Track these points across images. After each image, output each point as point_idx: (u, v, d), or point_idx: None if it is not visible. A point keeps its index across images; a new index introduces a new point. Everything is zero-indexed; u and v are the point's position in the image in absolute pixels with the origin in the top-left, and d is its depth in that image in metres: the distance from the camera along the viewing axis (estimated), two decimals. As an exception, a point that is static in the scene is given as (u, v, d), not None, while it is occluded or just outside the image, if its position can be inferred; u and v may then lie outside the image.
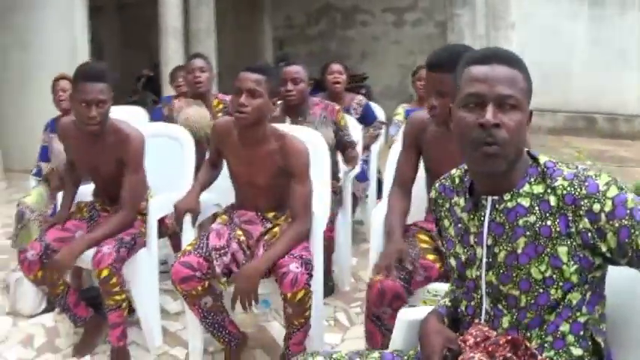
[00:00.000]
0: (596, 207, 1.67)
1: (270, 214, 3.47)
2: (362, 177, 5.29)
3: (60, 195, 4.05)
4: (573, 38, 11.76)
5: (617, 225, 1.66)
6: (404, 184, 3.22)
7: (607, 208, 1.66)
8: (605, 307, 1.85)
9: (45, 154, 4.87)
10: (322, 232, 3.54)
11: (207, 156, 3.88)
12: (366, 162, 5.53)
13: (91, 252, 3.42)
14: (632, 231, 1.65)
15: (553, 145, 10.03)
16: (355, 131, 5.07)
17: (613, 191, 1.68)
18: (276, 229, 3.41)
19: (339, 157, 4.83)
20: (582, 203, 1.69)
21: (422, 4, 13.39)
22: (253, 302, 3.08)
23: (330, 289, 4.50)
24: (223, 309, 3.34)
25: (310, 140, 3.67)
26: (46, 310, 4.20)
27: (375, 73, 12.29)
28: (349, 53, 13.84)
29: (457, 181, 1.99)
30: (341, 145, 4.68)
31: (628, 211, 1.65)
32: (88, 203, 3.88)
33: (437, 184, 2.09)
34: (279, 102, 4.32)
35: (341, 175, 4.78)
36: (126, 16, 14.83)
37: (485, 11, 7.58)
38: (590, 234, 1.69)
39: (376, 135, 5.71)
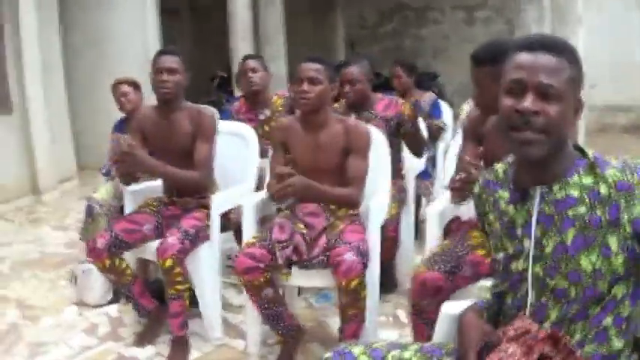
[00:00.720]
0: None
1: (333, 206, 3.54)
2: (426, 175, 5.29)
3: (127, 190, 4.17)
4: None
5: None
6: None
7: None
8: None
9: (120, 127, 5.05)
10: (379, 225, 3.58)
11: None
12: (432, 161, 5.53)
13: (155, 243, 3.56)
14: None
15: (624, 144, 9.83)
16: (421, 128, 5.08)
17: None
18: (338, 222, 3.47)
19: (404, 154, 4.84)
20: (636, 190, 1.68)
21: (491, 1, 13.29)
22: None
23: (393, 286, 4.52)
24: (283, 301, 3.42)
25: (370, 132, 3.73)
26: (111, 302, 4.33)
27: (447, 71, 12.18)
28: (421, 51, 13.82)
29: (501, 174, 1.98)
30: (405, 137, 4.70)
31: None
32: (155, 198, 4.00)
33: (481, 179, 2.08)
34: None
35: (404, 172, 4.78)
36: (199, 18, 15.04)
37: (552, 6, 7.45)
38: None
39: (438, 128, 5.73)
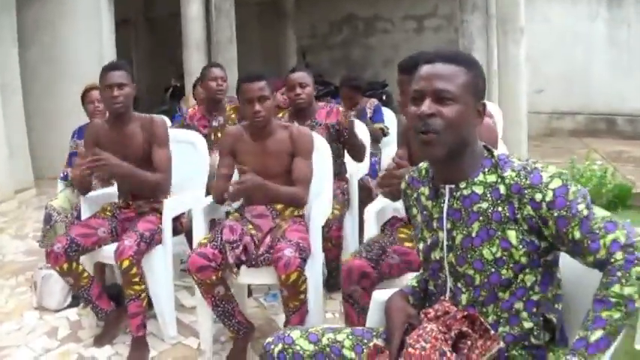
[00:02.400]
0: (538, 196, 1.87)
1: (279, 206, 3.80)
2: (374, 174, 5.50)
3: (83, 198, 4.32)
4: (592, 40, 11.79)
5: (555, 215, 1.85)
6: None
7: (548, 198, 1.86)
8: (559, 288, 2.05)
9: (72, 160, 5.16)
10: (320, 225, 3.79)
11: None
12: (378, 163, 5.76)
13: (112, 247, 3.74)
14: (569, 222, 1.84)
15: (570, 147, 10.11)
16: (363, 132, 5.31)
17: (556, 183, 1.87)
18: (283, 222, 3.71)
19: (347, 159, 5.06)
20: (526, 192, 1.89)
21: (441, 10, 13.49)
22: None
23: (338, 285, 4.71)
24: (233, 299, 3.61)
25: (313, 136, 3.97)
26: (70, 306, 4.49)
27: (396, 79, 12.43)
28: (371, 61, 14.04)
29: (423, 172, 2.22)
30: (347, 144, 4.93)
31: (567, 203, 1.84)
32: (111, 204, 4.18)
33: (407, 176, 2.32)
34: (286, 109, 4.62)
35: (348, 175, 5.01)
36: (153, 29, 15.11)
37: (496, 16, 7.71)
38: (534, 220, 1.89)
39: (380, 130, 5.99)
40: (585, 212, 1.84)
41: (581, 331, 1.77)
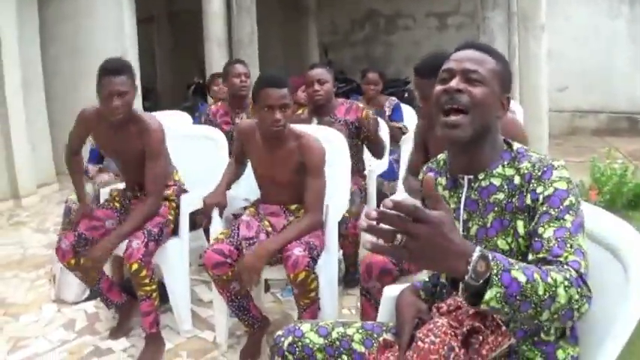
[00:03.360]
0: (540, 189, 1.88)
1: (293, 207, 3.77)
2: (391, 176, 5.50)
3: (103, 191, 4.35)
4: (614, 38, 11.73)
5: (544, 209, 1.84)
6: (414, 172, 3.53)
7: (547, 193, 1.86)
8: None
9: (94, 157, 5.20)
10: (337, 222, 3.82)
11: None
12: (396, 161, 5.75)
13: (124, 244, 3.71)
14: (550, 221, 1.82)
15: (592, 146, 10.05)
16: (383, 130, 5.31)
17: (561, 185, 1.87)
18: (296, 221, 3.69)
19: (366, 155, 5.07)
20: (532, 182, 1.90)
21: (464, 8, 13.48)
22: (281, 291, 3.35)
23: (356, 281, 4.73)
24: (248, 294, 3.64)
25: (330, 139, 3.95)
26: (88, 299, 4.53)
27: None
28: (392, 58, 14.04)
29: (441, 163, 2.23)
30: (366, 140, 4.92)
31: (560, 207, 1.83)
32: (120, 192, 4.19)
33: (425, 167, 2.33)
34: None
35: (367, 172, 5.01)
36: (176, 25, 15.16)
37: (516, 13, 7.68)
38: (530, 211, 1.89)
39: (398, 130, 5.94)
40: (568, 224, 1.80)
41: (513, 262, 1.59)
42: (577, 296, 1.63)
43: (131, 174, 4.09)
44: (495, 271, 1.51)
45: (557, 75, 10.32)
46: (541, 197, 1.87)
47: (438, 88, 2.00)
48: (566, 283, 1.61)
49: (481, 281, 1.50)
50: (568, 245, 1.76)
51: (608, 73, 11.63)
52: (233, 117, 5.39)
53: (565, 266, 1.70)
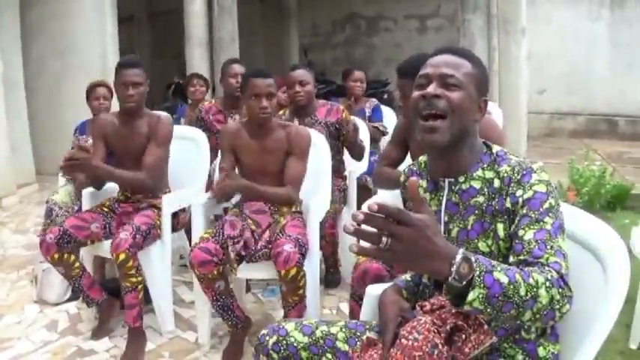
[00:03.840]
0: (519, 192, 1.92)
1: (271, 202, 3.83)
2: (371, 171, 5.53)
3: (85, 192, 4.34)
4: (594, 41, 11.83)
5: (524, 211, 1.88)
6: (389, 164, 3.65)
7: (526, 196, 1.90)
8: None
9: (83, 130, 5.20)
10: (318, 221, 3.85)
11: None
12: (376, 162, 5.77)
13: (109, 241, 3.76)
14: (530, 223, 1.85)
15: (570, 148, 10.14)
16: (363, 131, 5.33)
17: (540, 188, 1.91)
18: (281, 218, 3.76)
19: (346, 156, 5.09)
20: (512, 185, 1.94)
21: (444, 10, 13.54)
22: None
23: (336, 281, 4.79)
24: (232, 293, 3.66)
25: (312, 140, 3.97)
26: (70, 299, 4.51)
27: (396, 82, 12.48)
28: (373, 60, 14.06)
29: (422, 165, 2.26)
30: (346, 141, 4.95)
31: (539, 209, 1.87)
32: (110, 199, 4.20)
33: (406, 169, 2.36)
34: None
35: (347, 173, 5.04)
36: (156, 25, 15.14)
37: (497, 16, 7.75)
38: (509, 214, 1.93)
39: (377, 130, 6.00)
40: (548, 227, 1.84)
41: (495, 264, 1.62)
42: (558, 296, 1.66)
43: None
44: (478, 272, 1.54)
45: (536, 77, 10.42)
46: (521, 200, 1.90)
47: (416, 93, 2.03)
48: (547, 284, 1.65)
49: (464, 283, 1.53)
50: (548, 247, 1.79)
51: (588, 75, 11.73)
52: (227, 116, 5.40)
53: (546, 267, 1.73)
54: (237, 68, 5.44)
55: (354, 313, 3.17)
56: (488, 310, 1.57)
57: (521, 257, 1.81)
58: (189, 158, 4.57)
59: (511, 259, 1.86)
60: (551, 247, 1.79)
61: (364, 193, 5.08)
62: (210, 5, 8.74)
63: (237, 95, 5.27)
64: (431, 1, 13.65)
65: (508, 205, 1.93)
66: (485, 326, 1.93)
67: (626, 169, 8.61)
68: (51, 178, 8.16)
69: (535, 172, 1.95)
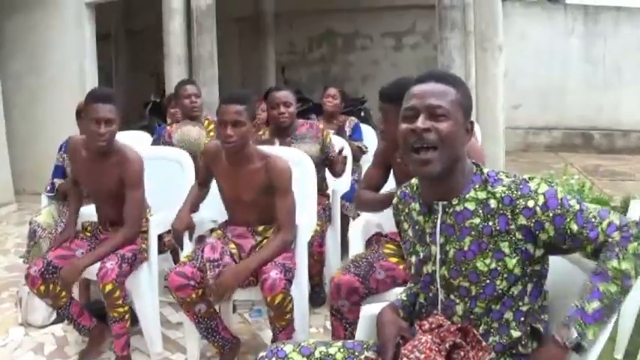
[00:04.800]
0: (531, 203, 1.97)
1: (260, 228, 3.82)
2: (351, 196, 5.55)
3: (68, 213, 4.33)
4: (568, 56, 12.00)
5: (551, 215, 1.95)
6: (370, 187, 3.64)
7: (540, 202, 1.96)
8: (546, 299, 2.14)
9: (59, 172, 5.13)
10: (306, 242, 3.89)
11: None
12: (356, 181, 5.80)
13: (97, 266, 3.70)
14: (565, 217, 1.94)
15: (547, 162, 10.25)
16: (344, 149, 5.36)
17: (543, 187, 1.98)
18: (265, 241, 3.74)
19: (327, 175, 5.13)
20: (518, 202, 1.99)
21: (419, 27, 13.56)
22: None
23: (322, 300, 4.82)
24: (216, 315, 3.67)
25: (296, 158, 4.02)
26: (56, 321, 4.49)
27: (375, 96, 12.51)
28: (350, 77, 14.06)
29: (415, 188, 2.30)
30: (328, 161, 5.00)
31: (559, 202, 1.96)
32: (91, 223, 4.17)
33: (399, 192, 2.40)
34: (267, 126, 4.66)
35: (329, 192, 5.08)
36: (134, 42, 15.09)
37: (475, 33, 7.82)
38: (528, 228, 1.98)
39: (358, 149, 6.03)
40: (577, 206, 1.96)
41: (577, 302, 1.88)
42: (634, 244, 1.89)
43: (104, 209, 4.09)
44: (579, 328, 1.85)
45: (512, 92, 10.51)
46: (538, 209, 1.96)
47: (405, 127, 2.07)
48: (620, 255, 1.87)
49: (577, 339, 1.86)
50: (595, 221, 1.95)
51: (563, 90, 11.89)
52: None
53: (609, 240, 1.91)
54: (190, 89, 5.43)
55: (334, 330, 3.23)
56: (607, 320, 1.88)
57: (588, 249, 1.97)
58: (173, 179, 4.57)
59: (581, 252, 2.01)
60: (594, 218, 1.95)
61: (343, 218, 5.15)
62: (189, 24, 8.73)
63: (193, 115, 5.31)
64: (406, 19, 13.68)
65: (523, 221, 1.98)
66: (484, 343, 1.99)
67: (602, 183, 8.74)
68: (30, 197, 8.14)
69: (529, 180, 2.02)
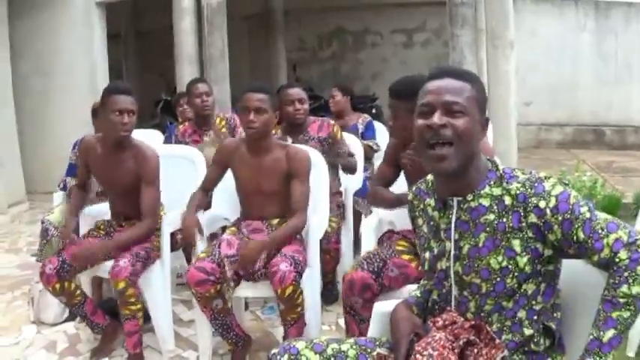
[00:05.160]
0: (542, 204, 1.95)
1: (275, 221, 3.86)
2: (364, 193, 5.55)
3: (82, 214, 4.33)
4: (579, 52, 11.94)
5: (560, 218, 1.93)
6: (383, 184, 3.66)
7: (551, 204, 1.94)
8: (559, 298, 2.13)
9: (72, 170, 5.18)
10: (318, 239, 3.88)
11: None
12: (369, 179, 5.79)
13: (109, 264, 3.72)
14: (573, 224, 1.92)
15: (559, 158, 10.22)
16: (356, 147, 5.39)
17: (557, 190, 1.96)
18: None
19: (341, 173, 5.11)
20: (530, 201, 1.97)
21: (430, 25, 13.55)
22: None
23: (334, 297, 4.80)
24: (231, 312, 3.68)
25: (313, 159, 4.00)
26: (68, 319, 4.51)
27: (385, 93, 12.49)
28: (360, 75, 14.08)
29: (430, 184, 2.29)
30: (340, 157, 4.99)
31: (570, 207, 1.93)
32: (105, 222, 4.18)
33: (414, 188, 2.39)
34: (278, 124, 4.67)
35: (342, 189, 5.07)
36: (144, 43, 15.12)
37: (486, 30, 7.81)
38: (539, 227, 1.96)
39: (369, 148, 5.99)
40: (587, 214, 1.93)
41: (594, 332, 1.86)
42: None
43: (119, 204, 4.11)
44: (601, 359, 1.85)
45: (523, 88, 10.47)
46: (548, 211, 1.95)
47: (421, 122, 2.06)
48: (630, 279, 1.84)
49: None
50: (600, 232, 1.91)
51: (574, 86, 11.82)
52: (201, 135, 5.46)
53: (615, 259, 1.88)
54: (201, 87, 5.48)
55: (348, 326, 3.23)
56: (622, 341, 1.87)
57: (594, 259, 1.93)
58: (185, 177, 4.56)
59: (587, 259, 1.97)
60: (602, 230, 1.91)
61: (355, 215, 5.13)
62: (200, 23, 8.74)
63: (205, 114, 5.34)
64: (417, 16, 13.66)
65: (534, 220, 1.97)
66: (497, 340, 1.99)
67: (615, 179, 8.69)
68: (41, 196, 8.17)
69: (544, 180, 2.00)
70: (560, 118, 12.12)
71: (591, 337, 1.86)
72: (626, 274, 1.84)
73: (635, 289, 1.82)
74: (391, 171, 3.65)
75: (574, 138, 12.08)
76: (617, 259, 1.87)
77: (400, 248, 3.36)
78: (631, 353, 3.72)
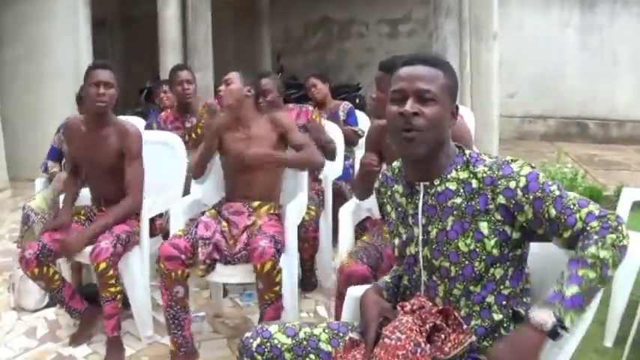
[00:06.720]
0: (512, 184, 1.98)
1: (255, 203, 3.92)
2: (347, 177, 5.56)
3: (62, 197, 4.34)
4: (564, 45, 11.98)
5: (531, 197, 1.96)
6: None
7: (521, 184, 1.97)
8: (528, 283, 2.15)
9: (53, 154, 5.21)
10: (296, 223, 3.94)
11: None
12: (351, 166, 5.80)
13: (89, 248, 3.72)
14: (543, 201, 1.94)
15: (542, 151, 10.26)
16: (336, 134, 5.43)
17: (526, 170, 2.00)
18: (259, 220, 3.81)
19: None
20: (499, 183, 2.00)
21: (415, 15, 13.55)
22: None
23: (313, 284, 4.83)
24: (188, 309, 3.68)
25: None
26: (48, 305, 4.51)
27: (370, 83, 12.52)
28: (345, 64, 14.10)
29: (396, 171, 2.32)
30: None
31: (540, 185, 1.96)
32: (85, 207, 4.19)
33: (380, 175, 2.42)
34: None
35: (322, 177, 5.09)
36: (129, 29, 15.05)
37: (469, 21, 7.83)
38: (508, 209, 1.99)
39: (354, 133, 6.01)
40: (557, 192, 1.96)
41: (555, 286, 1.85)
42: (613, 236, 1.86)
43: (100, 186, 4.12)
44: (557, 312, 1.81)
45: (508, 81, 10.51)
46: (519, 191, 1.97)
47: (393, 109, 2.08)
48: (599, 243, 1.85)
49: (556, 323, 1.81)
50: (573, 208, 1.93)
51: (559, 79, 11.86)
52: (184, 121, 5.52)
53: (587, 228, 1.90)
54: (183, 75, 5.53)
55: (339, 313, 3.24)
56: (585, 308, 1.84)
57: (565, 235, 1.95)
58: (165, 163, 4.55)
59: (557, 238, 1.98)
60: (574, 205, 1.94)
61: (340, 199, 5.12)
62: (184, 10, 8.72)
63: (186, 101, 5.39)
64: (402, 6, 13.67)
65: (502, 201, 1.99)
66: (465, 326, 2.01)
67: (597, 172, 8.76)
68: (25, 183, 8.10)
69: (511, 162, 2.04)
70: (545, 110, 12.17)
71: (553, 291, 1.85)
72: (596, 237, 1.86)
73: (602, 253, 1.83)
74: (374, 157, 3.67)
75: (558, 131, 12.13)
76: (588, 228, 1.89)
77: (387, 235, 3.38)
78: (608, 344, 3.76)
